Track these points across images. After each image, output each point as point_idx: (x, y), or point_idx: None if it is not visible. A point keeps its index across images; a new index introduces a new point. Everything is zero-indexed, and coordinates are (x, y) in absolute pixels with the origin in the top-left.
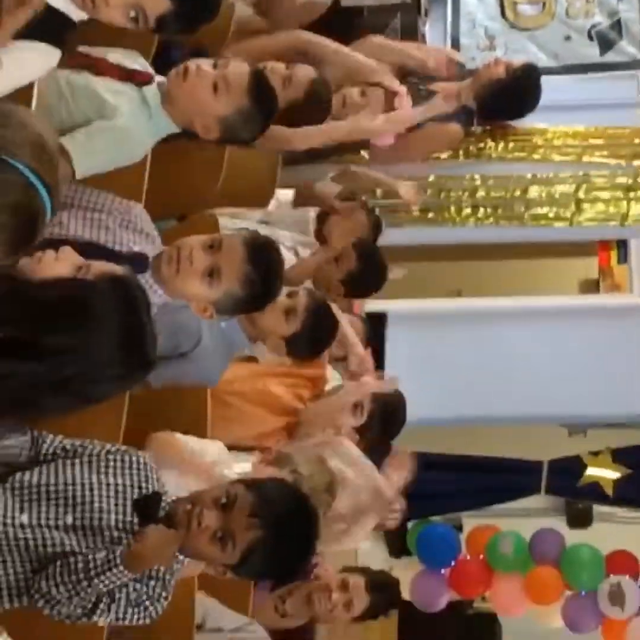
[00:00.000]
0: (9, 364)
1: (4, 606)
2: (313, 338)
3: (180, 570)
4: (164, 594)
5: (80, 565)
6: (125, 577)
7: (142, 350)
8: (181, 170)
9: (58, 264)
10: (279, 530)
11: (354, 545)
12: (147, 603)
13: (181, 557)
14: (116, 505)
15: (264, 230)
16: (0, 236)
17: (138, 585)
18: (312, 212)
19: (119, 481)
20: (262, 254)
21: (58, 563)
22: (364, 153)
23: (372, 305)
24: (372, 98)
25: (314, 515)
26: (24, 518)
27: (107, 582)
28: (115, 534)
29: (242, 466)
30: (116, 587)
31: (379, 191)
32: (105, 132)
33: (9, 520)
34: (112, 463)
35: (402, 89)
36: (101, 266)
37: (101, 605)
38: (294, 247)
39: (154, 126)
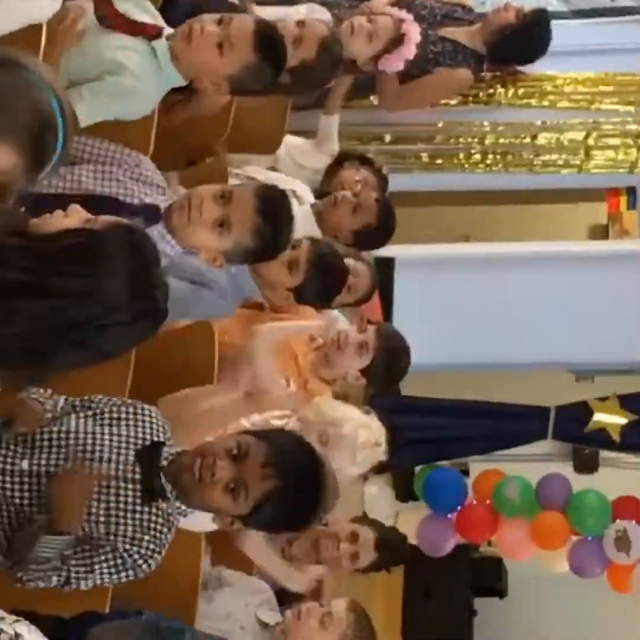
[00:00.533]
0: (18, 303)
1: None
2: (320, 287)
3: (176, 525)
4: (157, 549)
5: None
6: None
7: (151, 296)
8: (189, 117)
9: (66, 220)
10: (293, 480)
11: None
12: (140, 561)
13: (184, 508)
14: (118, 455)
15: (272, 177)
16: (21, 139)
17: (128, 546)
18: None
19: (123, 432)
20: (272, 205)
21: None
22: (373, 98)
23: (380, 250)
24: (379, 24)
25: (325, 466)
26: (25, 464)
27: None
28: (113, 483)
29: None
30: (97, 555)
31: (387, 137)
32: (111, 89)
33: (8, 467)
34: (116, 414)
35: (409, 16)
36: (109, 218)
37: (72, 579)
38: (302, 195)
39: (162, 80)
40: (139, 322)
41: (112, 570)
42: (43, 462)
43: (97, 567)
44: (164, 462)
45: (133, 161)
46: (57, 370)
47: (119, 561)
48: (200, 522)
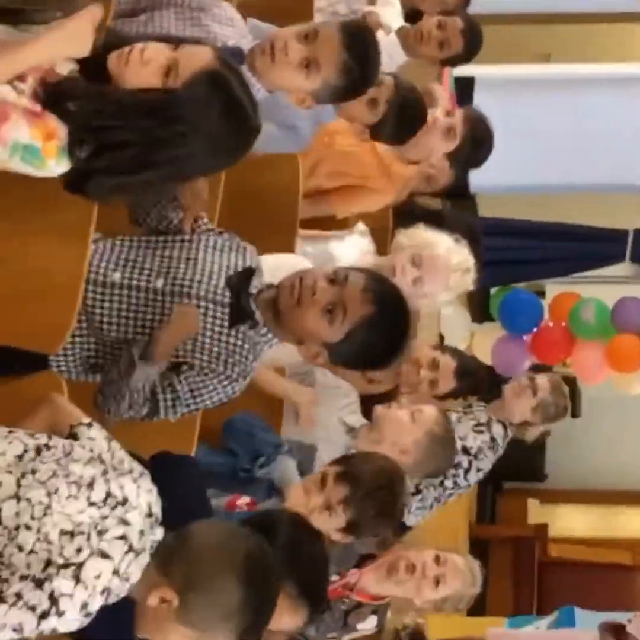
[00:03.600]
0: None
1: (68, 375)
2: (396, 128)
3: (261, 355)
4: (242, 374)
5: None
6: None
7: (245, 135)
8: None
9: (145, 69)
10: (390, 309)
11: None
12: (225, 382)
13: (270, 337)
14: (210, 278)
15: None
16: None
17: (213, 365)
18: None
19: (218, 259)
20: (358, 40)
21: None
22: None
23: (460, 70)
24: None
25: (410, 303)
26: (116, 276)
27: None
28: (203, 303)
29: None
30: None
31: None
32: None
33: (100, 278)
34: (213, 243)
35: None
36: (191, 63)
37: (161, 408)
38: (387, 22)
39: None
40: (239, 148)
41: (195, 392)
42: (135, 275)
43: (179, 389)
44: (254, 290)
45: (214, 3)
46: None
47: (200, 383)
48: (284, 353)
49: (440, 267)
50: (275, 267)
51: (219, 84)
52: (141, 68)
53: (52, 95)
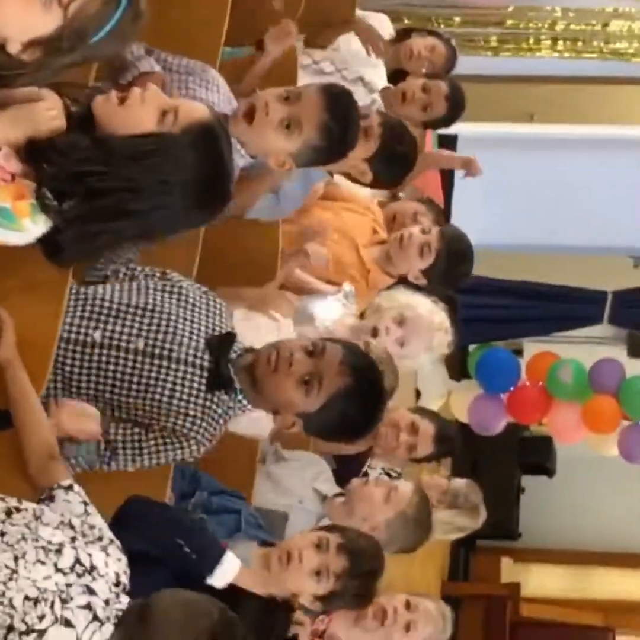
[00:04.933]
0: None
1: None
2: (389, 163)
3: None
4: (208, 437)
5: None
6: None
7: (220, 198)
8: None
9: (142, 110)
10: (366, 382)
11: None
12: (191, 442)
13: (245, 404)
14: (190, 339)
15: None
16: None
17: (183, 423)
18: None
19: (196, 318)
20: (339, 101)
21: None
22: None
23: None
24: None
25: (382, 379)
26: (97, 335)
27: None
28: (182, 367)
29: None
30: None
31: (457, 19)
32: None
33: (81, 337)
34: (191, 299)
35: None
36: (189, 112)
37: (120, 459)
38: (370, 80)
39: None
40: (205, 216)
41: (161, 448)
42: (116, 334)
43: (144, 445)
44: (234, 355)
45: (200, 69)
46: (122, 247)
47: (167, 440)
48: (257, 424)
49: (423, 327)
50: (247, 327)
51: (213, 138)
52: (139, 108)
53: (35, 151)
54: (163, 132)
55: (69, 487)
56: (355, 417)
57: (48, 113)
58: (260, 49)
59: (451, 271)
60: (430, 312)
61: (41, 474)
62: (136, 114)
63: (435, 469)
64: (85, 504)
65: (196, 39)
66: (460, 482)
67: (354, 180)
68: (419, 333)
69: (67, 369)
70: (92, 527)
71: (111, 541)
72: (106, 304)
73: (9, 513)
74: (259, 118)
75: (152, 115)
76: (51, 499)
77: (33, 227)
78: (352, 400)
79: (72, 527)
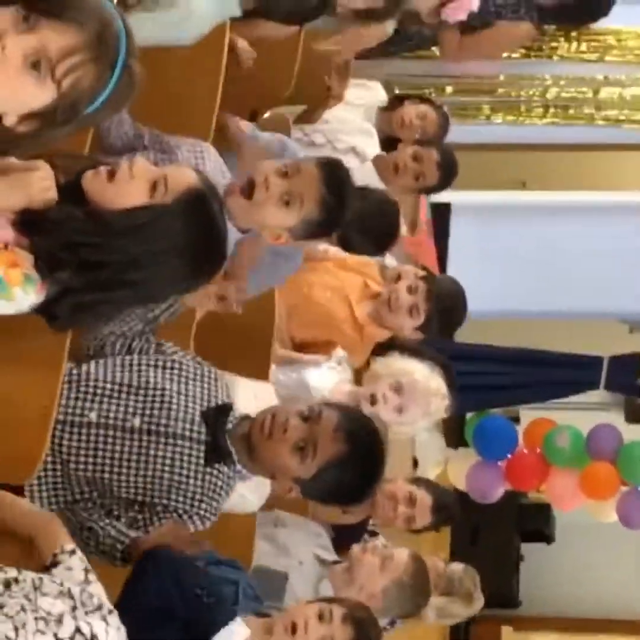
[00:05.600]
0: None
1: (40, 501)
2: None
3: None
4: (214, 512)
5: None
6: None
7: (215, 260)
8: (254, 66)
9: (132, 184)
10: (362, 448)
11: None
12: (196, 519)
13: (244, 472)
14: (185, 413)
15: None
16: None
17: (186, 507)
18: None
19: (191, 391)
20: (336, 175)
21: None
22: (435, 49)
23: (436, 196)
24: None
25: (383, 441)
26: (93, 416)
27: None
28: (180, 442)
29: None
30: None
31: (448, 88)
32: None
33: (77, 419)
34: (185, 372)
35: None
36: (178, 180)
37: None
38: (362, 151)
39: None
40: (195, 282)
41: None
42: (111, 414)
43: (150, 528)
44: (230, 425)
45: (190, 144)
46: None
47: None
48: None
49: (420, 393)
50: (250, 395)
51: (203, 203)
52: (128, 183)
53: (28, 222)
54: (155, 204)
55: (72, 552)
56: (351, 483)
57: (42, 183)
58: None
59: (445, 324)
60: (427, 377)
61: (42, 540)
62: (126, 189)
63: (434, 551)
64: (87, 571)
65: (190, 110)
66: (457, 567)
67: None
68: (416, 399)
69: (65, 450)
70: (91, 596)
71: (110, 611)
72: (100, 384)
73: (7, 585)
74: (259, 193)
75: (142, 188)
76: (55, 565)
77: (23, 296)
78: (348, 467)
79: (71, 596)
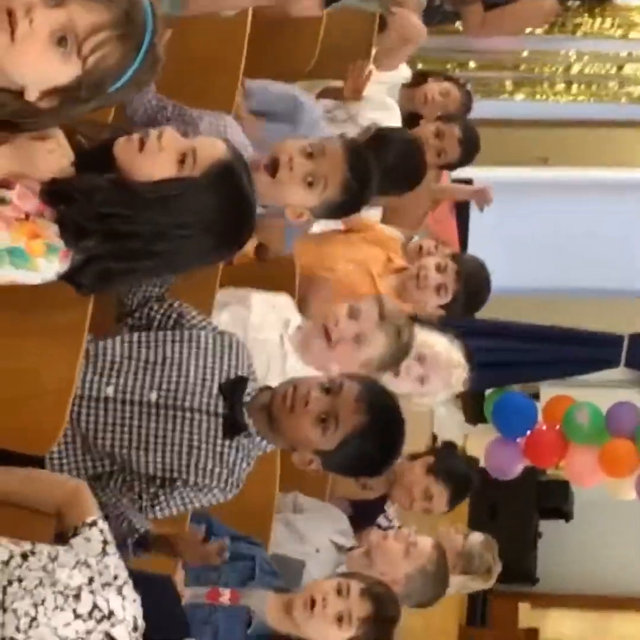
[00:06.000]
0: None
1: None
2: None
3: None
4: (234, 483)
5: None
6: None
7: (243, 234)
8: (277, 42)
9: (161, 156)
10: (383, 419)
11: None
12: (216, 491)
13: (265, 444)
14: (202, 387)
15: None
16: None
17: (204, 480)
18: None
19: (209, 363)
20: (361, 159)
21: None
22: (458, 24)
23: (458, 172)
24: None
25: (403, 413)
26: (110, 391)
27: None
28: (197, 416)
29: None
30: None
31: (471, 63)
32: None
33: (94, 393)
34: (203, 345)
35: None
36: (207, 152)
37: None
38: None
39: None
40: (223, 253)
41: (187, 501)
42: (128, 388)
43: (171, 502)
44: (247, 398)
45: (214, 118)
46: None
47: (191, 494)
48: None
49: (443, 364)
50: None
51: (233, 177)
52: (157, 154)
53: (56, 191)
54: (184, 177)
55: (93, 524)
56: (373, 454)
57: (48, 154)
58: None
59: (469, 306)
60: (448, 349)
61: (67, 512)
62: (155, 160)
63: (453, 519)
64: (105, 543)
65: (213, 81)
66: (476, 540)
67: None
68: (438, 370)
69: (83, 425)
70: (107, 566)
71: (125, 582)
72: (117, 359)
73: (25, 557)
74: (283, 173)
75: (171, 160)
76: (74, 536)
77: (47, 265)
78: (369, 438)
79: (88, 566)
